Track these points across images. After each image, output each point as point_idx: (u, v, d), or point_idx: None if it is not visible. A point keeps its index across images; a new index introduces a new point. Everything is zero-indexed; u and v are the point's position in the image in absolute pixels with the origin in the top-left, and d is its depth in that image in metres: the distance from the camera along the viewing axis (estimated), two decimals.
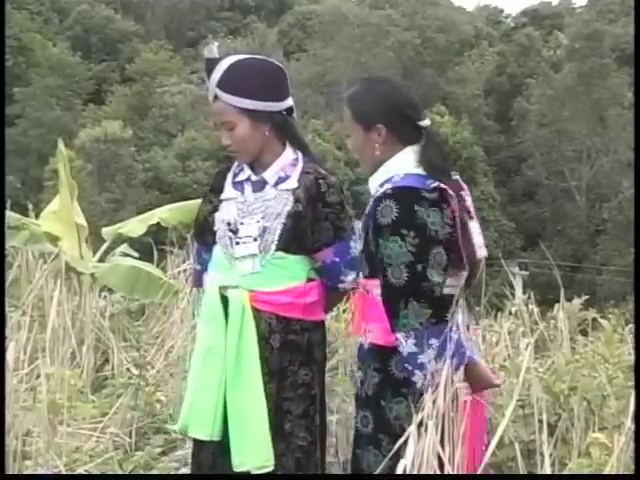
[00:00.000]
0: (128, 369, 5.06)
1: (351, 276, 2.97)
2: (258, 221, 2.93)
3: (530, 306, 5.05)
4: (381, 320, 2.64)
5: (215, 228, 3.00)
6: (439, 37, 49.94)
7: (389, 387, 2.66)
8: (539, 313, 4.94)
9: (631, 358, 3.87)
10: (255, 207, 2.95)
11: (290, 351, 2.94)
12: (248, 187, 3.00)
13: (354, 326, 2.87)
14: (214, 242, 3.02)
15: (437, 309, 2.55)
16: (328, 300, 3.07)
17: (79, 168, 33.84)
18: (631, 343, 4.19)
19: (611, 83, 42.27)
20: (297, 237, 2.93)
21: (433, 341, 2.53)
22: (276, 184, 2.97)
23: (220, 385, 2.89)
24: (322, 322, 3.06)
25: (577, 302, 5.19)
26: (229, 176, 3.06)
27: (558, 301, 4.96)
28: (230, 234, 2.95)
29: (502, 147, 46.50)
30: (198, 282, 3.19)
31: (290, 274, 2.95)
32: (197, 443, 3.01)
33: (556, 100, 42.83)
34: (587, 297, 5.44)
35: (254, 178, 3.00)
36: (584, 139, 42.24)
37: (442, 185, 2.62)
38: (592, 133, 42.03)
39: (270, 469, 2.87)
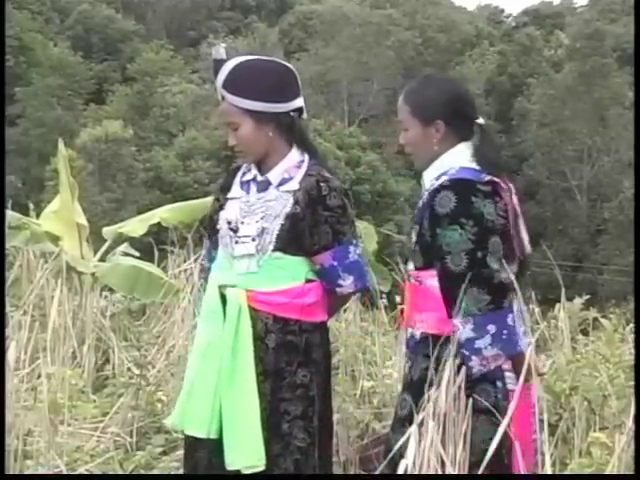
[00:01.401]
0: (129, 369, 5.07)
1: (349, 280, 2.97)
2: (257, 221, 2.94)
3: (531, 306, 5.05)
4: (435, 309, 2.68)
5: (218, 227, 3.02)
6: (440, 37, 49.98)
7: (436, 373, 2.66)
8: (540, 313, 4.94)
9: (632, 358, 3.87)
10: (256, 207, 2.96)
11: (287, 352, 2.94)
12: (253, 187, 3.01)
13: (405, 318, 2.88)
14: (217, 241, 3.05)
15: (495, 295, 2.60)
16: (330, 303, 3.05)
17: (80, 168, 33.86)
18: (632, 343, 4.19)
19: (612, 83, 42.26)
20: (295, 239, 2.93)
21: (490, 327, 2.59)
22: (279, 185, 2.97)
23: (217, 383, 2.90)
24: (322, 324, 3.04)
25: (578, 302, 5.19)
26: (238, 175, 3.07)
27: (559, 301, 4.96)
28: (230, 233, 2.97)
29: (503, 147, 46.41)
30: (206, 278, 3.21)
31: (288, 274, 2.95)
32: (192, 442, 3.00)
33: (557, 100, 42.82)
34: (588, 297, 5.43)
35: (259, 178, 3.01)
36: (585, 139, 42.23)
37: (495, 179, 2.69)
38: (593, 133, 42.02)
39: (261, 469, 2.87)
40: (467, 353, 2.61)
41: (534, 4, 62.76)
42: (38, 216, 6.47)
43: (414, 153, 2.84)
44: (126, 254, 6.40)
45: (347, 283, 2.98)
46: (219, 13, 61.09)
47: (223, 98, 2.98)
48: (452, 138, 2.77)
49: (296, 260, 2.95)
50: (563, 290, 4.71)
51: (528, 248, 2.81)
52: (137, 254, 6.42)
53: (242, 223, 2.96)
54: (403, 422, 2.72)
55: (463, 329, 2.60)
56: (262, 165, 3.01)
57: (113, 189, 37.90)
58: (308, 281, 2.97)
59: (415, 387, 2.72)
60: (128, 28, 55.03)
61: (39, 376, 4.01)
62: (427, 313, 2.73)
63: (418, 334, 2.76)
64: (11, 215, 5.98)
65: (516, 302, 2.70)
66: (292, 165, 2.99)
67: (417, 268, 2.78)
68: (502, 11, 67.29)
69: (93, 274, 5.91)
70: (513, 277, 2.70)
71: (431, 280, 2.70)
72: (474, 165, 2.73)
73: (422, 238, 2.73)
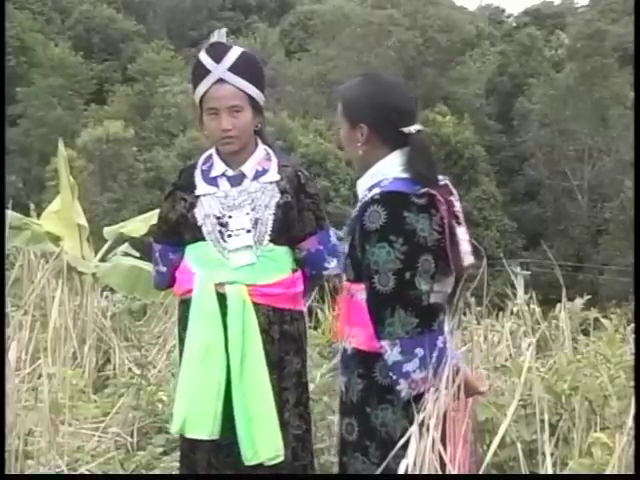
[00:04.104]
0: (130, 369, 5.08)
1: (334, 263, 3.09)
2: (248, 213, 2.98)
3: (532, 306, 5.06)
4: (365, 325, 2.58)
5: (199, 223, 3.00)
6: (441, 37, 49.89)
7: (374, 394, 2.60)
8: (541, 313, 4.95)
9: (633, 358, 3.86)
10: (241, 200, 2.99)
11: (286, 341, 3.02)
12: (224, 181, 3.03)
13: (338, 330, 2.80)
14: (194, 239, 3.01)
15: (424, 318, 2.50)
16: (306, 288, 3.15)
17: (81, 168, 33.90)
18: (633, 343, 4.19)
19: (613, 83, 42.21)
20: (286, 227, 3.00)
21: (418, 350, 2.49)
22: (255, 178, 3.02)
23: (221, 383, 2.90)
24: (303, 311, 3.15)
25: (579, 302, 5.20)
26: (197, 173, 3.07)
27: (560, 301, 4.96)
28: (220, 227, 2.98)
29: (504, 147, 46.45)
30: (164, 284, 3.20)
31: (280, 266, 3.02)
32: (190, 444, 3.02)
33: (558, 100, 42.78)
34: (589, 297, 5.45)
35: (231, 173, 3.04)
36: (586, 139, 42.19)
37: (431, 191, 2.56)
38: (594, 133, 41.97)
39: (282, 459, 2.92)
40: (395, 377, 2.52)
41: (535, 4, 62.68)
42: (39, 216, 6.48)
43: (346, 152, 2.78)
44: (127, 254, 6.41)
45: (332, 265, 3.10)
46: (220, 13, 61.01)
47: (221, 80, 2.97)
48: (379, 144, 2.65)
49: (284, 251, 3.03)
50: (564, 290, 4.71)
51: (468, 260, 2.64)
52: (137, 254, 6.43)
53: (230, 217, 2.97)
54: (355, 447, 2.64)
55: (391, 352, 2.50)
56: (231, 159, 3.04)
57: (114, 189, 37.88)
58: (293, 271, 3.06)
59: (358, 411, 2.63)
60: (129, 28, 54.97)
61: (40, 376, 4.02)
62: (357, 328, 2.64)
63: (350, 348, 2.67)
64: (12, 215, 5.98)
65: (448, 322, 2.59)
66: (262, 158, 3.07)
67: (348, 280, 2.70)
68: (503, 11, 67.18)
69: (94, 274, 5.91)
70: (446, 295, 2.61)
71: (361, 294, 2.61)
72: (408, 175, 2.59)
73: (353, 251, 2.62)
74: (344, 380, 2.70)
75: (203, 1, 59.90)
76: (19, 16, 47.73)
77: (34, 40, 48.03)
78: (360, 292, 2.62)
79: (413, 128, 2.64)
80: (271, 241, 2.98)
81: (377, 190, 2.58)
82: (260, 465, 2.92)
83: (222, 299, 2.94)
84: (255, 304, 2.95)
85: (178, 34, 56.78)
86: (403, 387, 2.52)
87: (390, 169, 2.63)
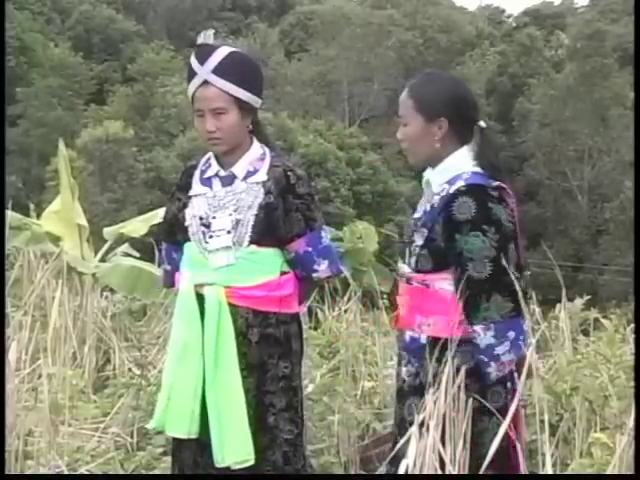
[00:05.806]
0: (130, 369, 5.08)
1: (324, 265, 3.03)
2: (230, 214, 2.96)
3: (532, 306, 5.05)
4: (445, 313, 2.68)
5: (187, 224, 3.02)
6: (441, 37, 49.95)
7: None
8: (541, 313, 4.94)
9: (633, 358, 3.87)
10: (226, 201, 2.99)
11: (269, 344, 2.98)
12: (217, 182, 3.03)
13: (403, 320, 2.84)
14: (184, 240, 3.04)
15: (517, 302, 2.63)
16: (302, 291, 3.10)
17: (81, 168, 33.89)
18: (633, 343, 4.19)
19: (613, 83, 42.22)
20: (269, 229, 2.97)
21: (510, 333, 2.63)
22: (245, 178, 3.01)
23: (198, 383, 2.91)
24: (297, 314, 3.10)
25: (579, 302, 5.21)
26: (196, 173, 3.09)
27: (560, 301, 4.96)
28: (203, 228, 2.98)
29: (504, 147, 46.35)
30: (169, 282, 3.21)
31: (264, 268, 2.98)
32: (177, 442, 3.04)
33: (558, 100, 42.79)
34: (589, 297, 5.45)
35: (223, 173, 3.04)
36: (586, 139, 42.19)
37: (502, 184, 2.70)
38: (594, 133, 41.98)
39: (251, 463, 2.89)
40: (486, 359, 2.64)
41: (535, 4, 62.69)
42: (39, 216, 6.48)
43: (410, 149, 2.82)
44: (127, 254, 6.41)
45: (322, 268, 3.04)
46: (220, 13, 61.02)
47: (205, 82, 2.97)
48: (452, 139, 2.76)
49: (270, 253, 2.99)
50: (564, 290, 4.71)
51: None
52: (137, 254, 6.43)
53: (214, 218, 2.98)
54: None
55: (484, 335, 2.63)
56: (224, 159, 3.04)
57: (114, 189, 37.88)
58: (283, 273, 3.01)
59: (424, 392, 2.67)
60: (129, 28, 54.98)
61: (40, 376, 4.02)
62: (436, 316, 2.72)
63: (423, 337, 2.74)
64: (12, 215, 5.99)
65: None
66: (255, 158, 3.04)
67: (422, 271, 2.75)
68: (503, 11, 67.21)
69: (94, 274, 5.91)
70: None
71: (441, 283, 2.70)
72: (479, 170, 2.72)
73: (431, 242, 2.71)
74: (412, 368, 2.76)
75: (203, 1, 59.90)
76: (19, 16, 47.73)
77: (34, 40, 48.03)
78: (439, 281, 2.71)
79: (484, 123, 2.78)
80: (254, 243, 2.95)
81: (462, 182, 2.68)
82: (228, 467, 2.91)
83: (203, 300, 2.95)
84: (234, 306, 2.93)
85: (178, 34, 56.76)
86: (493, 369, 2.64)
87: (464, 163, 2.74)
